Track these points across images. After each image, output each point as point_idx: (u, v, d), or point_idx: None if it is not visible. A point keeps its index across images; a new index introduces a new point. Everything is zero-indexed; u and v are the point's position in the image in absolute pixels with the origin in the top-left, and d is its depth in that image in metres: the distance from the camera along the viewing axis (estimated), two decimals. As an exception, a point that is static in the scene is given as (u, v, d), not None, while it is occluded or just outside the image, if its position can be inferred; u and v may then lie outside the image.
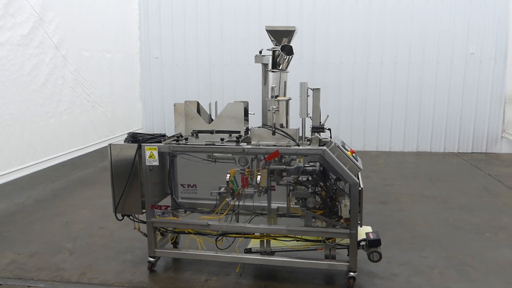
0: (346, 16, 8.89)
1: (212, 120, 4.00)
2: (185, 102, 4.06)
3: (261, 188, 3.61)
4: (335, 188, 3.66)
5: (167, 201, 4.18)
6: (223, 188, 4.03)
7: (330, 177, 3.70)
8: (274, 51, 3.68)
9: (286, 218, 4.03)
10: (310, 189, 3.66)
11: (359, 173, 3.58)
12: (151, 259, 3.97)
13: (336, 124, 8.76)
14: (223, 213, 3.93)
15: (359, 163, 3.62)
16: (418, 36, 8.74)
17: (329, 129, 3.76)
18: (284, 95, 3.77)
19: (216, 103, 4.07)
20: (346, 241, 3.67)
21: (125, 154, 3.81)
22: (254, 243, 3.92)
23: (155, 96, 9.87)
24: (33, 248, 4.55)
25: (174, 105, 3.93)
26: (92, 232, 4.97)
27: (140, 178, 3.83)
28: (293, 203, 3.84)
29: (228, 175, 3.65)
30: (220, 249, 3.89)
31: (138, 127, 9.82)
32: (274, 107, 3.62)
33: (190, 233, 3.93)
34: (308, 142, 3.71)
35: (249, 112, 4.03)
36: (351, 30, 8.90)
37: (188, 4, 9.44)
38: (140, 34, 9.62)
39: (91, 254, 4.39)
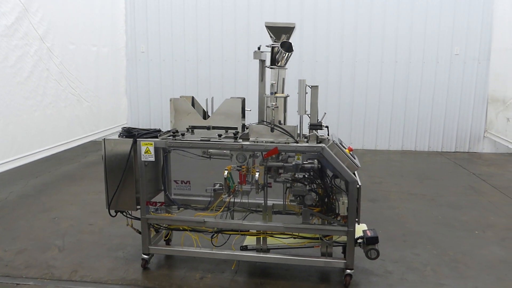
0: (324, 13, 8.92)
1: (208, 116, 3.95)
2: (180, 97, 3.99)
3: (258, 185, 3.59)
4: (332, 185, 3.67)
5: (160, 197, 4.12)
6: (218, 184, 4.02)
7: (327, 174, 3.71)
8: (273, 48, 3.64)
9: (280, 215, 4.03)
10: (308, 186, 3.65)
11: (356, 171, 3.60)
12: (145, 256, 3.90)
13: (323, 122, 8.78)
14: (218, 210, 3.91)
15: (357, 161, 3.63)
16: (404, 36, 8.84)
17: (327, 127, 3.76)
18: (282, 92, 3.75)
19: (212, 99, 4.02)
20: (343, 238, 3.68)
21: (119, 149, 3.73)
22: (249, 241, 3.90)
23: (141, 91, 9.72)
24: (20, 245, 4.42)
25: (171, 100, 3.86)
26: (81, 229, 4.86)
27: (135, 174, 3.75)
28: (289, 200, 3.83)
29: (226, 172, 3.62)
30: (215, 246, 3.85)
31: (123, 122, 9.66)
32: (274, 103, 3.59)
33: (186, 230, 3.88)
34: (306, 139, 3.71)
35: (245, 109, 3.99)
36: (335, 29, 8.94)
37: (176, -2, 9.34)
38: (127, 27, 9.45)
39: (82, 251, 4.29)
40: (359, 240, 3.61)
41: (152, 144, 3.65)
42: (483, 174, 7.32)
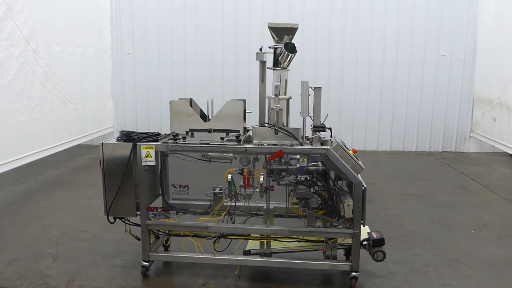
0: (312, 16, 8.94)
1: (209, 118, 3.87)
2: (179, 99, 3.91)
3: (263, 188, 3.53)
4: (337, 187, 3.63)
5: (157, 202, 4.01)
6: (218, 188, 3.94)
7: (330, 176, 3.68)
8: (276, 49, 3.59)
9: (281, 218, 3.98)
10: (312, 189, 3.61)
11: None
12: (145, 263, 3.79)
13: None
14: (218, 214, 3.83)
15: (360, 163, 3.60)
16: (391, 37, 8.92)
17: (330, 128, 3.72)
18: (285, 94, 3.70)
19: (212, 101, 3.94)
20: (347, 241, 3.65)
21: (118, 154, 3.62)
22: (252, 245, 3.83)
23: (127, 94, 9.54)
24: (11, 255, 4.25)
25: (170, 103, 3.77)
26: (74, 236, 4.70)
27: (134, 178, 3.64)
28: (291, 203, 3.79)
29: (230, 175, 3.54)
30: (217, 251, 3.77)
31: (109, 126, 9.47)
32: (278, 105, 3.54)
33: (187, 235, 3.78)
34: (308, 141, 3.67)
35: (246, 111, 3.92)
36: (323, 31, 8.95)
37: (162, -1, 9.20)
38: (112, 29, 9.26)
39: (77, 260, 4.15)
40: (364, 242, 3.58)
41: (153, 148, 3.55)
42: (472, 174, 7.42)
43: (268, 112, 3.73)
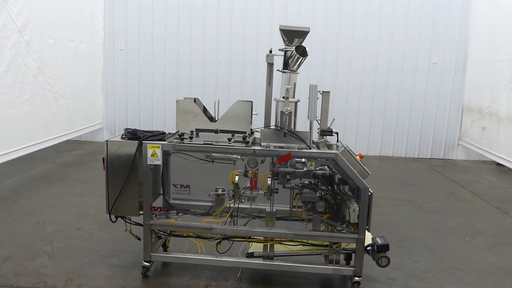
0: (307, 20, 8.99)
1: (214, 119, 3.83)
2: (184, 98, 3.86)
3: (270, 190, 3.52)
4: (343, 192, 3.65)
5: (158, 202, 3.95)
6: (220, 189, 3.91)
7: (335, 181, 3.69)
8: (286, 52, 3.58)
9: (283, 221, 3.97)
10: (318, 192, 3.61)
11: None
12: (146, 263, 3.73)
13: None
14: (219, 215, 3.80)
15: (367, 168, 3.62)
16: (385, 43, 9.02)
17: (337, 133, 3.73)
18: (293, 97, 3.69)
19: (218, 101, 3.91)
20: (351, 246, 3.66)
21: (123, 152, 3.55)
22: (255, 247, 3.81)
23: (118, 90, 9.40)
24: (4, 252, 4.13)
25: (177, 101, 3.71)
26: (69, 234, 4.60)
27: (138, 177, 3.58)
28: (296, 206, 3.79)
29: (237, 177, 3.52)
30: (220, 253, 3.74)
31: (99, 122, 9.32)
32: (289, 108, 3.53)
33: (190, 236, 3.74)
34: (315, 145, 3.67)
35: (252, 113, 3.90)
36: (318, 36, 8.99)
37: (157, -4, 9.10)
38: (105, 24, 9.11)
39: (74, 258, 4.06)
40: (368, 248, 3.60)
41: (159, 147, 3.50)
42: (461, 181, 7.56)
43: (276, 114, 3.71)
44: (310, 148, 3.51)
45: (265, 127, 3.92)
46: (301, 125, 3.87)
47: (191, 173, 4.07)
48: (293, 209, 3.82)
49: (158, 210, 3.71)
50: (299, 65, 3.59)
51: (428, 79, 9.10)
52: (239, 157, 3.58)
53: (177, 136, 3.66)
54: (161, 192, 4.00)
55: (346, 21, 8.95)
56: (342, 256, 3.88)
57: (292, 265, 3.66)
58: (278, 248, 3.75)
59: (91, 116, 8.96)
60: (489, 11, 8.11)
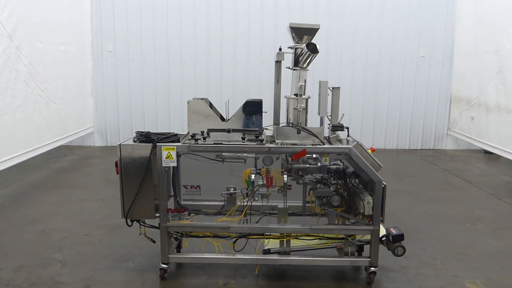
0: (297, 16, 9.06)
1: (226, 118, 3.84)
2: (193, 99, 3.86)
3: (286, 187, 3.56)
4: (355, 185, 3.72)
5: (169, 203, 3.94)
6: (232, 188, 3.93)
7: (347, 174, 3.75)
8: (296, 49, 3.62)
9: (295, 217, 4.02)
10: (332, 187, 3.67)
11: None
12: (164, 265, 3.73)
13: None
14: (233, 214, 3.82)
15: (378, 161, 3.70)
16: (374, 38, 9.16)
17: (347, 128, 3.80)
18: (304, 94, 3.74)
19: (228, 101, 3.92)
20: (366, 237, 3.74)
21: (137, 155, 3.54)
22: (271, 244, 3.85)
23: (108, 93, 9.29)
24: (14, 262, 4.06)
25: (188, 102, 3.72)
26: (78, 240, 4.55)
27: (154, 180, 3.58)
28: (310, 201, 3.84)
29: (253, 175, 3.55)
30: (236, 251, 3.77)
31: (90, 126, 9.20)
32: (302, 105, 3.57)
33: (207, 236, 3.75)
34: (326, 141, 3.73)
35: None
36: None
37: (145, -4, 9.02)
38: (92, 26, 8.98)
39: (88, 264, 4.02)
40: (383, 238, 3.68)
41: (174, 148, 3.50)
42: (454, 170, 7.74)
43: (287, 111, 3.75)
44: (323, 144, 3.56)
45: (274, 124, 3.98)
46: (309, 121, 3.92)
47: (197, 173, 4.08)
48: (304, 205, 3.87)
49: (175, 212, 3.71)
50: (309, 62, 3.64)
51: (417, 71, 9.28)
52: (254, 155, 3.60)
53: (190, 137, 3.67)
54: (172, 194, 4.00)
55: (335, 17, 9.03)
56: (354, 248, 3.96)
57: (309, 259, 3.72)
58: (294, 243, 3.80)
59: (82, 120, 8.85)
60: (475, 4, 8.32)
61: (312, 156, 3.72)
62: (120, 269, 3.95)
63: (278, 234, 3.74)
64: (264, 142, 3.55)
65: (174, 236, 3.83)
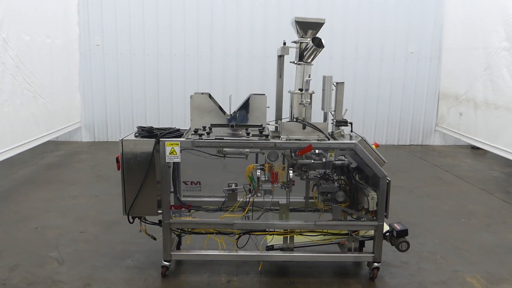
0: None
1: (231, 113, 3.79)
2: (195, 93, 3.79)
3: (291, 183, 3.54)
4: (359, 181, 3.71)
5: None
6: (234, 184, 3.89)
7: (351, 170, 3.75)
8: (301, 43, 3.59)
9: (296, 213, 4.00)
10: (336, 183, 3.66)
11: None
12: (166, 263, 3.66)
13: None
14: (235, 211, 3.78)
15: (382, 156, 3.70)
16: (364, 33, 9.19)
17: (351, 123, 3.79)
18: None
19: (230, 96, 3.86)
20: (369, 233, 3.74)
21: (140, 150, 3.46)
22: (274, 240, 3.81)
23: (96, 88, 9.10)
24: (9, 260, 3.94)
25: (191, 97, 3.64)
26: (73, 238, 4.44)
27: (156, 176, 3.50)
28: (314, 197, 3.83)
29: (259, 171, 3.51)
30: (238, 247, 3.73)
31: (77, 121, 9.00)
32: (308, 100, 3.54)
33: (210, 233, 3.70)
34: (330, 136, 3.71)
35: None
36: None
37: (133, -12, 8.84)
38: (79, 19, 8.77)
39: (86, 262, 3.93)
40: (387, 234, 3.68)
41: (178, 144, 3.43)
42: (444, 165, 7.85)
43: (291, 106, 3.72)
44: (329, 139, 3.54)
45: (276, 119, 3.95)
46: (315, 116, 3.89)
47: (189, 169, 4.03)
48: (307, 200, 3.85)
49: (178, 208, 3.64)
50: (314, 57, 3.60)
51: (406, 68, 9.36)
52: (259, 151, 3.56)
53: (193, 132, 3.60)
54: (172, 190, 3.93)
55: (325, 13, 9.00)
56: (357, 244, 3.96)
57: (313, 255, 3.70)
58: (297, 239, 3.78)
59: (69, 115, 8.65)
60: (463, 0, 8.41)
61: (315, 151, 3.70)
62: (120, 266, 3.87)
63: (282, 230, 3.71)
64: (269, 138, 3.51)
65: (176, 233, 3.76)
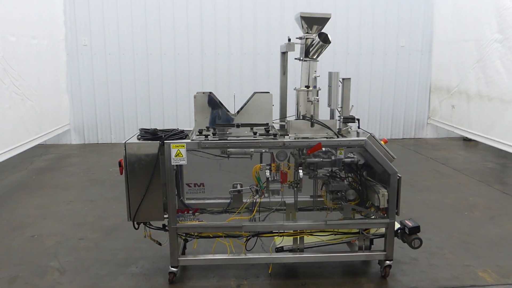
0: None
1: (235, 112, 3.68)
2: (197, 93, 3.67)
3: (301, 182, 3.45)
4: (368, 178, 3.65)
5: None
6: (239, 185, 3.79)
7: (359, 167, 3.68)
8: (306, 39, 3.49)
9: (302, 212, 3.92)
10: (346, 180, 3.59)
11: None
12: (173, 269, 3.55)
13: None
14: (242, 212, 3.69)
15: (391, 152, 3.64)
16: (355, 28, 9.15)
17: (358, 119, 3.72)
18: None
19: (234, 96, 3.76)
20: (380, 231, 3.68)
21: (144, 153, 3.32)
22: (283, 241, 3.73)
23: (85, 89, 8.88)
24: (8, 272, 3.77)
25: (195, 97, 3.52)
26: (72, 246, 4.29)
27: (162, 179, 3.38)
28: (323, 195, 3.75)
29: (268, 172, 3.41)
30: (247, 250, 3.63)
31: (66, 123, 8.77)
32: (317, 97, 3.46)
33: (219, 236, 3.59)
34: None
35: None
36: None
37: (120, -14, 8.63)
38: (66, 18, 8.53)
39: (88, 271, 3.78)
40: (399, 231, 3.63)
41: (184, 146, 3.31)
42: (439, 158, 7.86)
43: (297, 104, 3.63)
44: (338, 137, 3.46)
45: (280, 117, 3.86)
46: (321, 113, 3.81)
47: (192, 170, 3.92)
48: (314, 199, 3.78)
49: (186, 212, 3.53)
50: (320, 53, 3.52)
51: (397, 61, 9.35)
52: (267, 150, 3.46)
53: (198, 133, 3.49)
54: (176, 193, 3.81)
55: (316, 7, 8.94)
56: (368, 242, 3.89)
57: (325, 256, 3.63)
58: (307, 239, 3.70)
59: (58, 118, 8.42)
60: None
61: (322, 149, 3.62)
62: (124, 274, 3.74)
63: (291, 231, 3.63)
64: (277, 137, 3.41)
65: (183, 237, 3.65)
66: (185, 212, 3.57)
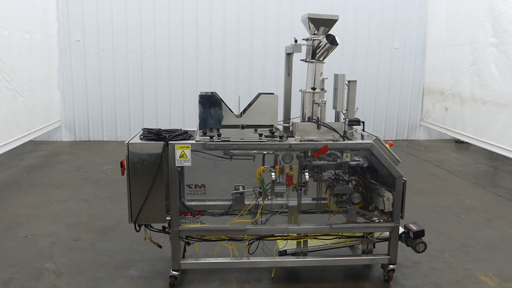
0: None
1: (240, 114, 3.62)
2: (200, 93, 3.61)
3: (307, 185, 3.41)
4: (373, 182, 3.62)
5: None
6: (241, 187, 3.74)
7: (364, 171, 3.65)
8: (313, 41, 3.45)
9: (307, 215, 3.88)
10: (350, 184, 3.56)
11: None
12: (175, 272, 3.47)
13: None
14: (245, 215, 3.64)
15: (396, 156, 3.62)
16: (350, 29, 9.14)
17: (363, 122, 3.69)
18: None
19: (239, 97, 3.71)
20: (384, 234, 3.66)
21: (147, 154, 3.25)
22: (287, 245, 3.68)
23: (77, 85, 8.71)
24: (2, 274, 3.65)
25: (200, 97, 3.46)
26: (68, 247, 4.18)
27: (166, 181, 3.30)
28: (327, 199, 3.71)
29: (274, 174, 3.36)
30: (249, 253, 3.58)
31: (57, 119, 8.60)
32: (324, 99, 3.42)
33: (222, 239, 3.53)
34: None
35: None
36: (289, 21, 8.89)
37: (115, -19, 8.48)
38: (58, 13, 8.35)
39: (85, 274, 3.69)
40: (403, 235, 3.61)
41: (189, 147, 3.24)
42: (433, 160, 7.90)
43: (303, 106, 3.58)
44: (344, 139, 3.43)
45: (284, 119, 3.82)
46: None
47: (191, 171, 3.85)
48: (317, 202, 3.74)
49: (189, 214, 3.46)
50: (327, 55, 3.48)
51: (392, 63, 9.37)
52: (272, 152, 3.41)
53: (202, 134, 3.42)
54: (177, 194, 3.74)
55: (312, 9, 8.91)
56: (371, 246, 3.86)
57: (328, 260, 3.60)
58: (311, 243, 3.66)
59: (49, 114, 8.25)
60: (448, -4, 8.47)
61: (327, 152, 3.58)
62: (123, 277, 3.65)
63: (295, 235, 3.58)
64: (283, 139, 3.36)
65: (186, 240, 3.58)
66: (188, 214, 3.49)
